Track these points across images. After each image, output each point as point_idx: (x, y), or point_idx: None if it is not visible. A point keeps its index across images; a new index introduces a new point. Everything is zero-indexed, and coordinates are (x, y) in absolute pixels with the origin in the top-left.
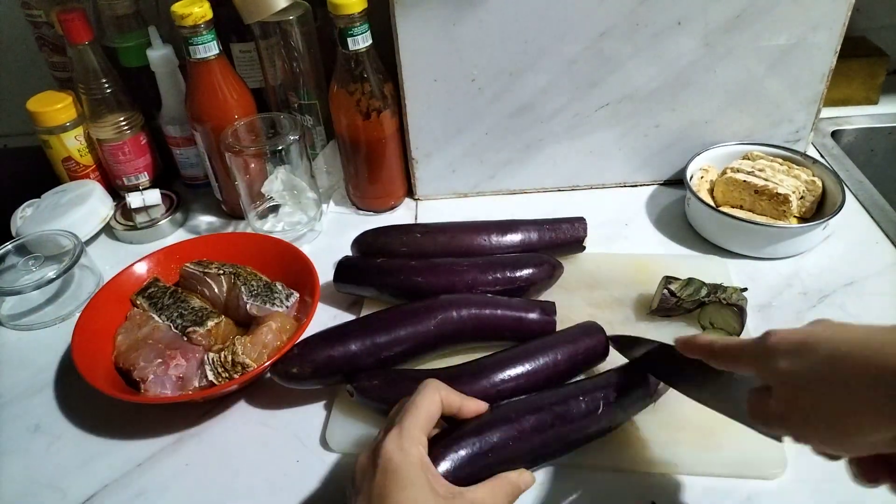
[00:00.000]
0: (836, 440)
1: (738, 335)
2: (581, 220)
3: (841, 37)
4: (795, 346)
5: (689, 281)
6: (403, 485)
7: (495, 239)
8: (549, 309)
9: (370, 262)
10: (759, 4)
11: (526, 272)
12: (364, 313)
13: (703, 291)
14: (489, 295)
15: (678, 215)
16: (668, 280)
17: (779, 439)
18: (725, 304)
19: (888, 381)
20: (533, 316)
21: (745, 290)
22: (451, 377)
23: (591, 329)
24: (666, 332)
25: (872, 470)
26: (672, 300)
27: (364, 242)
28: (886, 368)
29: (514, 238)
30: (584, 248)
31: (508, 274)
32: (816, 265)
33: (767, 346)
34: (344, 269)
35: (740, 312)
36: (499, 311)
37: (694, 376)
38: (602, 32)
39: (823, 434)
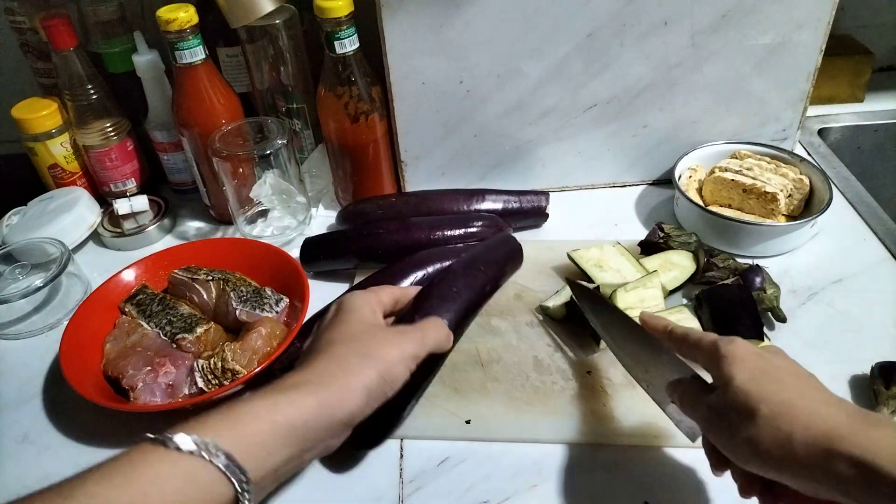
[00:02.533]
0: (750, 464)
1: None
2: (544, 193)
3: (826, 35)
4: (755, 370)
5: (680, 227)
6: (350, 315)
7: (465, 206)
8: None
9: (332, 235)
10: (745, 4)
11: (476, 227)
12: None
13: (693, 238)
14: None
15: (667, 215)
16: (659, 222)
17: (691, 438)
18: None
19: (825, 449)
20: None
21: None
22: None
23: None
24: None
25: (750, 485)
26: (659, 235)
27: (347, 211)
28: (826, 438)
29: (480, 205)
30: (547, 216)
31: (460, 230)
32: (805, 263)
33: (728, 353)
34: (308, 247)
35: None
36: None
37: (632, 346)
38: (589, 33)
39: (741, 454)
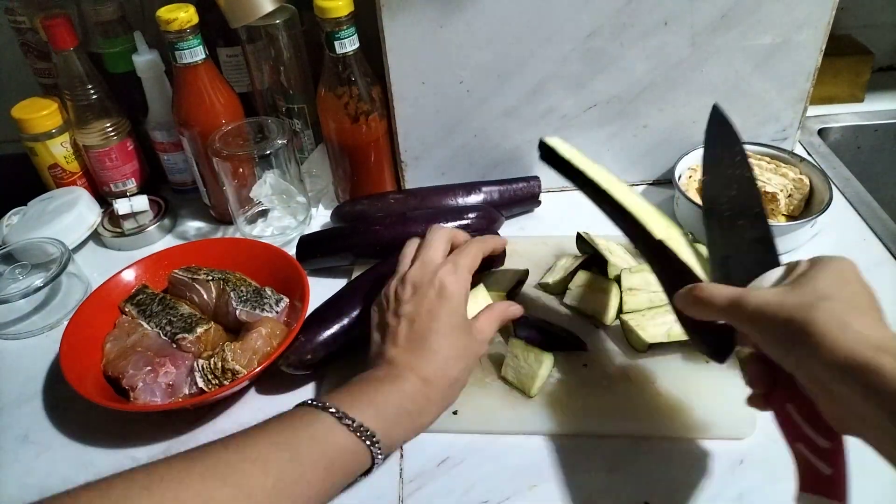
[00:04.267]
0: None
1: None
2: (535, 178)
3: (826, 35)
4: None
5: (678, 227)
6: (453, 309)
7: (462, 200)
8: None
9: (328, 231)
10: (745, 4)
11: (469, 219)
12: None
13: (687, 237)
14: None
15: (667, 215)
16: None
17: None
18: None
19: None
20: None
21: None
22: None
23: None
24: None
25: (764, 380)
26: None
27: (341, 209)
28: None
29: (477, 197)
30: (539, 202)
31: (454, 223)
32: None
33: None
34: (304, 244)
35: None
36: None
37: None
38: (589, 33)
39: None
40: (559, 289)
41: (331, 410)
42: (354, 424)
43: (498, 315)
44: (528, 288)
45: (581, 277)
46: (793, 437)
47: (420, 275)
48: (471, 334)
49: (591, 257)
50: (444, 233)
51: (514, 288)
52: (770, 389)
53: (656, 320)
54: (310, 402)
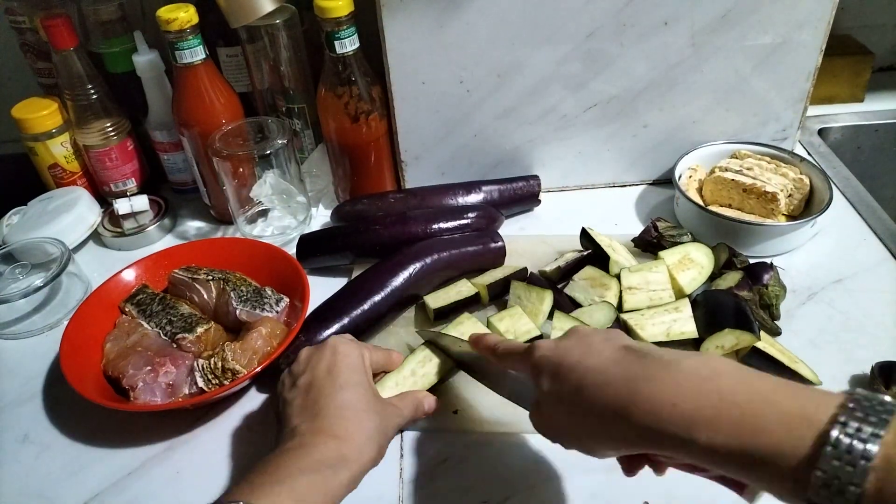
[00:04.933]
0: (594, 452)
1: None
2: (535, 178)
3: (826, 35)
4: (553, 370)
5: (678, 226)
6: (351, 366)
7: (461, 199)
8: (496, 237)
9: (329, 231)
10: (745, 4)
11: (469, 218)
12: None
13: (687, 238)
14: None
15: (667, 215)
16: (658, 218)
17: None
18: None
19: (613, 416)
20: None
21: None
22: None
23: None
24: None
25: (631, 462)
26: (653, 234)
27: (341, 209)
28: (610, 406)
29: (477, 196)
30: (539, 201)
31: (454, 222)
32: (805, 262)
33: (534, 363)
34: (305, 243)
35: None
36: (456, 250)
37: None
38: (589, 34)
39: (583, 448)
40: (555, 276)
41: None
42: None
43: (413, 401)
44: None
45: (587, 272)
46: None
47: (310, 352)
48: (376, 394)
49: (593, 254)
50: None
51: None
52: (644, 461)
53: (655, 319)
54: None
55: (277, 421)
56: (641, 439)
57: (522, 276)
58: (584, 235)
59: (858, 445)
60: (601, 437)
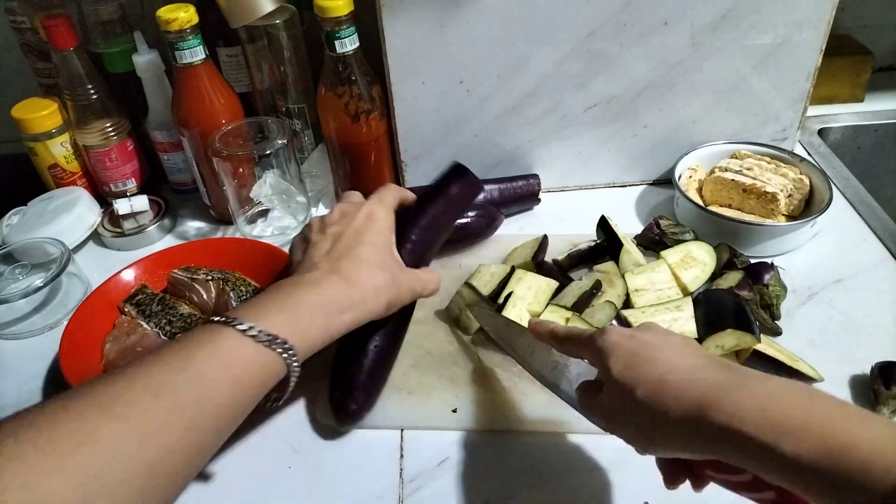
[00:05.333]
0: (647, 447)
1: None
2: (535, 177)
3: (826, 35)
4: (628, 357)
5: (679, 224)
6: (378, 231)
7: None
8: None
9: None
10: (745, 4)
11: (469, 217)
12: None
13: (689, 236)
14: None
15: (667, 215)
16: (660, 216)
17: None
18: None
19: (693, 413)
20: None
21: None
22: None
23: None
24: None
25: (673, 472)
26: (656, 232)
27: None
28: (694, 403)
29: (477, 196)
30: (539, 200)
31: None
32: (805, 262)
33: (603, 347)
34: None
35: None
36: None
37: (538, 363)
38: (589, 33)
39: (639, 440)
40: (566, 263)
41: (234, 324)
42: (261, 334)
43: (426, 279)
44: None
45: (606, 266)
46: (743, 489)
47: (345, 206)
48: (396, 259)
49: (606, 244)
50: (354, 192)
51: (537, 255)
52: (686, 472)
53: (656, 318)
54: (213, 318)
55: (293, 254)
56: (717, 441)
57: (545, 242)
58: (602, 225)
59: None
60: (669, 434)
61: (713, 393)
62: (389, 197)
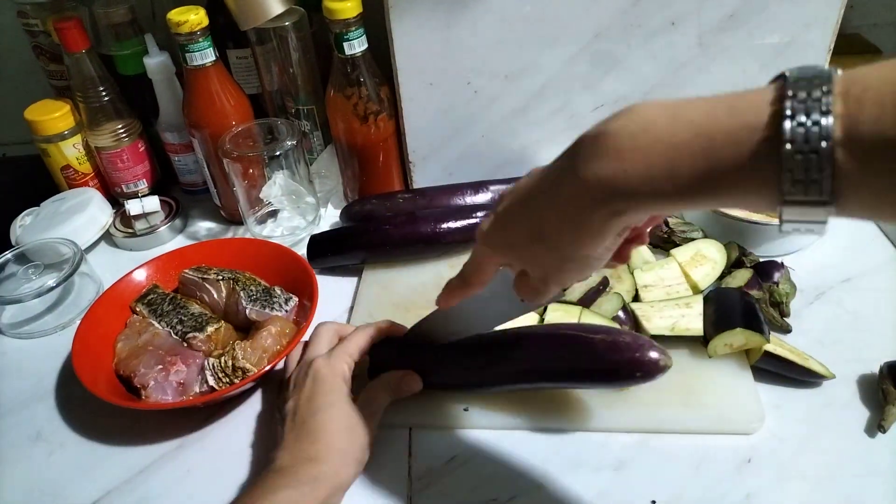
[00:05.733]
0: (554, 266)
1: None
2: None
3: (834, 34)
4: (503, 196)
5: (687, 222)
6: (328, 389)
7: (469, 198)
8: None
9: (339, 231)
10: (753, 3)
11: (478, 216)
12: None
13: (698, 234)
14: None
15: (674, 214)
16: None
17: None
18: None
19: (574, 209)
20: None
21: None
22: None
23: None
24: None
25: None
26: (664, 230)
27: (351, 209)
28: (571, 203)
29: (485, 196)
30: None
31: (464, 222)
32: (813, 262)
33: (480, 228)
34: (315, 244)
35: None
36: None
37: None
38: (596, 34)
39: (555, 259)
40: None
41: None
42: None
43: (385, 385)
44: None
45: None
46: None
47: (298, 372)
48: (355, 409)
49: None
50: (327, 328)
51: None
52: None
53: (664, 313)
54: None
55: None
56: (612, 214)
57: None
58: None
59: (814, 130)
60: (565, 232)
61: (581, 184)
62: (346, 346)
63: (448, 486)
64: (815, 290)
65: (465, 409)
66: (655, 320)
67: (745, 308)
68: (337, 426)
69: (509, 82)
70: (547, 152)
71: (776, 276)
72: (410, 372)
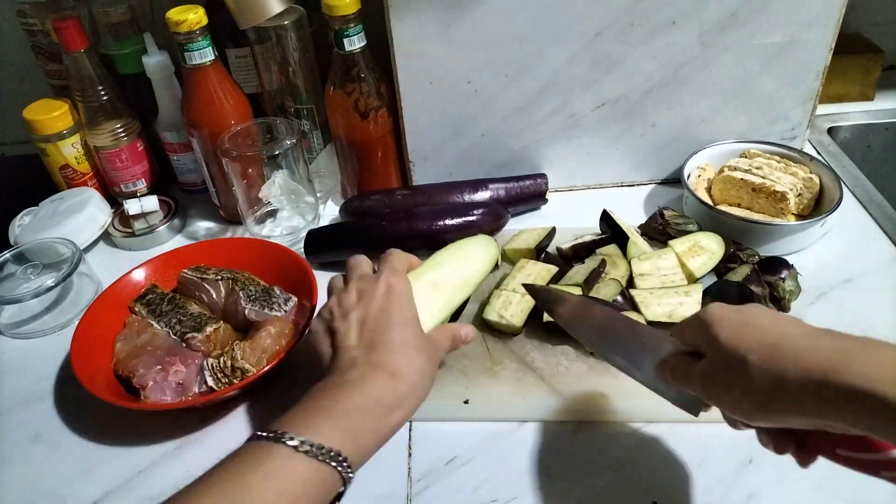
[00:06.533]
0: (754, 414)
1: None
2: (542, 176)
3: (835, 33)
4: (735, 325)
5: (683, 215)
6: (405, 305)
7: (468, 196)
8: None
9: (337, 226)
10: (753, 2)
11: (476, 215)
12: None
13: (694, 227)
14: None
15: (671, 207)
16: (664, 206)
17: (694, 412)
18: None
19: (820, 382)
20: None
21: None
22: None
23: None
24: None
25: (780, 441)
26: (660, 222)
27: (350, 204)
28: (815, 368)
29: (484, 194)
30: (546, 200)
31: (461, 219)
32: (814, 262)
33: (706, 317)
34: (312, 238)
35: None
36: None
37: (612, 341)
38: (597, 33)
39: (742, 406)
40: (569, 253)
41: (284, 440)
42: (314, 449)
43: (450, 334)
44: None
45: (608, 249)
46: (873, 469)
47: (360, 283)
48: (425, 333)
49: (611, 238)
50: (362, 259)
51: (542, 243)
52: (793, 442)
53: (662, 300)
54: (259, 434)
55: (317, 347)
56: (843, 404)
57: (552, 233)
58: (605, 219)
59: None
60: (786, 399)
61: (838, 355)
62: (399, 264)
63: (448, 486)
64: (816, 290)
65: (466, 402)
66: (654, 307)
67: (742, 299)
68: (418, 343)
69: (510, 81)
70: (548, 151)
71: (784, 273)
72: (469, 325)
